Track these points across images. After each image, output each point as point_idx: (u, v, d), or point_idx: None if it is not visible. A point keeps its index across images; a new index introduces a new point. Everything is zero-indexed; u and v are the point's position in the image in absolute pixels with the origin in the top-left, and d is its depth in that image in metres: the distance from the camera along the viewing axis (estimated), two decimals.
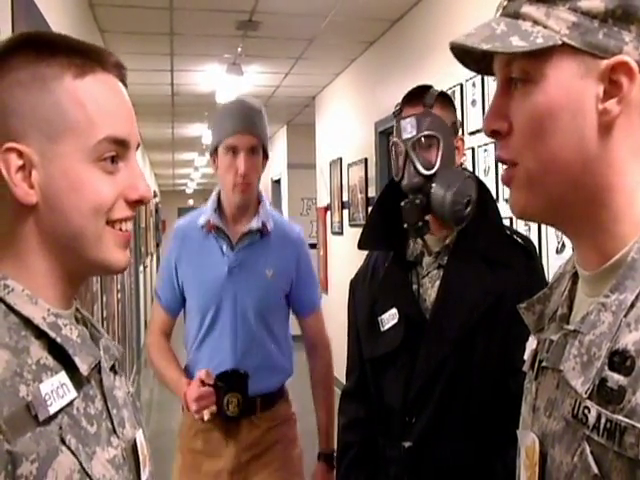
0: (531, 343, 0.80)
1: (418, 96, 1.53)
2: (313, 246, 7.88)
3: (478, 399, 1.45)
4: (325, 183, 6.85)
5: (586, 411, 0.62)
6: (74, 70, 0.75)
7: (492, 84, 3.19)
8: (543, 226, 2.76)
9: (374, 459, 1.60)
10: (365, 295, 1.66)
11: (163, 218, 18.76)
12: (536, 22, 0.66)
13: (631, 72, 0.63)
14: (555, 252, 2.64)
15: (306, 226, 8.86)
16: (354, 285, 1.74)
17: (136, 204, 0.80)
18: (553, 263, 2.60)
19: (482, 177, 3.01)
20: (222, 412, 1.84)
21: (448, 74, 3.57)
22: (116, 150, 0.77)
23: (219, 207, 2.05)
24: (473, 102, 3.35)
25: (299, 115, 8.35)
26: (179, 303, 2.09)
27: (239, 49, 5.15)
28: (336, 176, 6.31)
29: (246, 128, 2.00)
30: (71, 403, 0.71)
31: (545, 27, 0.66)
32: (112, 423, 0.78)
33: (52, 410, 0.67)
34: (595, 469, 0.61)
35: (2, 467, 0.61)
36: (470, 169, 3.11)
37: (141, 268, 8.46)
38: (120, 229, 0.79)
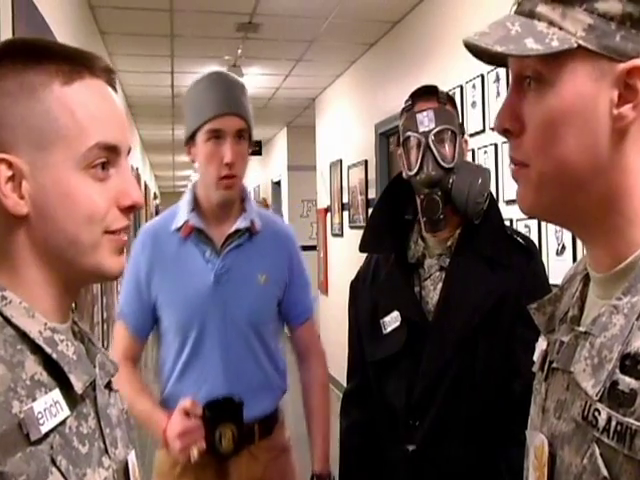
0: (541, 344, 0.80)
1: (432, 92, 1.53)
2: (313, 248, 7.88)
3: (481, 401, 1.45)
4: (325, 185, 6.85)
5: (596, 413, 0.62)
6: (62, 77, 0.73)
7: (492, 87, 3.19)
8: (543, 228, 2.76)
9: (376, 463, 1.59)
10: (366, 297, 1.65)
11: None
12: (552, 23, 0.65)
13: None
14: (555, 254, 2.64)
15: (306, 228, 8.87)
16: (355, 287, 1.73)
17: (129, 210, 0.79)
18: (553, 265, 2.60)
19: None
20: (213, 448, 1.56)
21: (448, 76, 3.57)
22: (107, 156, 0.76)
23: (197, 206, 1.75)
24: (473, 104, 3.35)
25: (299, 117, 8.36)
26: (149, 324, 1.76)
27: (239, 51, 5.15)
28: (336, 178, 6.31)
29: (232, 108, 1.66)
30: (64, 422, 0.69)
31: (561, 29, 0.64)
32: (104, 443, 0.76)
33: (44, 430, 0.66)
34: (604, 472, 0.60)
35: None
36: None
37: None
38: (118, 235, 0.79)
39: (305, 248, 8.72)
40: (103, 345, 3.73)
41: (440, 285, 1.52)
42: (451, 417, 1.46)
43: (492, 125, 3.18)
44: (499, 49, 0.65)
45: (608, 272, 0.68)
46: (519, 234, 1.65)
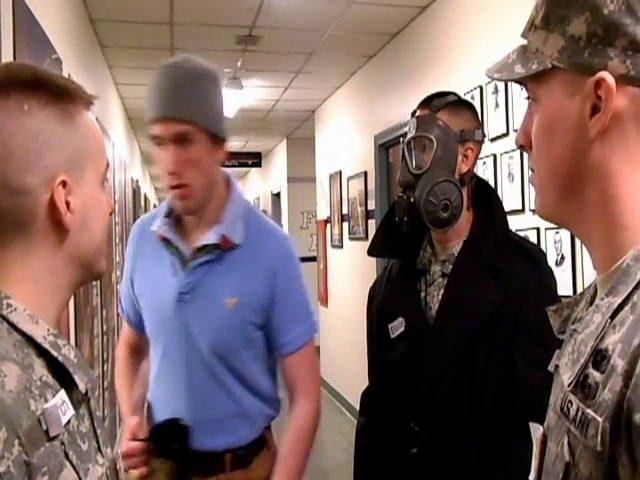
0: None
1: (430, 100, 1.58)
2: (313, 259, 7.88)
3: (480, 408, 1.45)
4: (325, 196, 6.86)
5: (569, 404, 0.67)
6: (83, 104, 0.85)
7: (490, 98, 3.20)
8: (542, 238, 2.76)
9: (387, 462, 1.61)
10: (379, 302, 1.68)
11: None
12: (537, 49, 0.73)
13: (609, 86, 0.67)
14: (555, 264, 2.64)
15: (306, 239, 8.88)
16: (372, 293, 1.77)
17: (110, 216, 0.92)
18: None
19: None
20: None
21: (447, 87, 3.58)
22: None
23: (173, 211, 1.59)
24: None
25: (299, 128, 8.38)
26: (142, 319, 1.66)
27: (239, 63, 5.18)
28: (336, 189, 6.32)
29: (168, 111, 1.45)
30: (69, 421, 0.74)
31: (542, 53, 0.73)
32: (98, 442, 0.82)
33: (63, 423, 0.71)
34: (567, 457, 0.66)
35: (20, 478, 0.63)
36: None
37: None
38: None
39: (305, 259, 8.76)
40: (102, 358, 3.73)
41: (442, 291, 1.54)
42: (451, 422, 1.47)
43: (491, 136, 3.19)
44: (496, 76, 0.77)
45: (603, 275, 0.72)
46: (526, 241, 1.65)
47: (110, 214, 0.90)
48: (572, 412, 0.65)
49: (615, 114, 0.67)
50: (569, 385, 0.67)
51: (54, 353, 0.75)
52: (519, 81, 0.78)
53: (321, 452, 5.37)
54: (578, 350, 0.68)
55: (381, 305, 1.66)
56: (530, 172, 0.81)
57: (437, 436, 1.48)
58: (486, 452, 1.45)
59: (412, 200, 1.51)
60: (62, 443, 0.71)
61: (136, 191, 7.78)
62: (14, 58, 1.99)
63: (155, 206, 15.33)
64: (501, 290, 1.47)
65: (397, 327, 1.57)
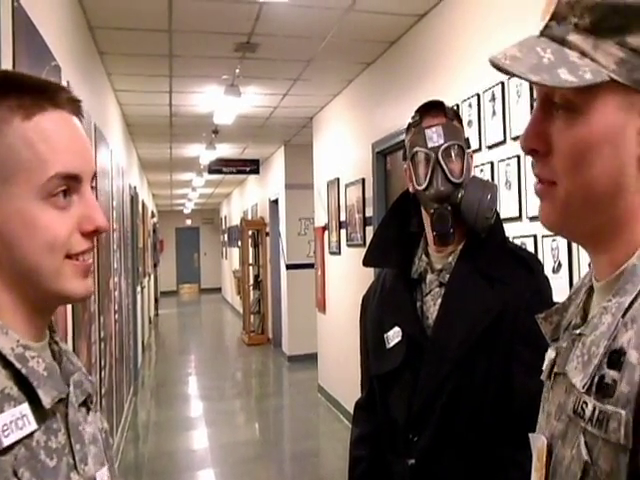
0: (550, 353, 0.82)
1: (439, 107, 1.55)
2: (311, 266, 7.88)
3: (479, 418, 1.45)
4: (323, 203, 6.86)
5: (584, 405, 0.65)
6: (22, 112, 0.77)
7: (488, 105, 3.21)
8: (539, 246, 2.77)
9: (382, 474, 1.60)
10: (373, 311, 1.67)
11: (161, 238, 18.78)
12: (584, 53, 0.67)
13: None
14: (552, 271, 2.64)
15: (304, 246, 8.88)
16: (365, 301, 1.75)
17: (92, 234, 0.82)
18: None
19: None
20: None
21: (445, 95, 3.60)
22: (67, 184, 0.78)
23: None
24: (469, 122, 3.38)
25: (297, 135, 8.39)
26: None
27: (237, 70, 5.19)
28: (334, 196, 6.33)
29: None
30: (31, 435, 0.72)
31: (593, 60, 0.67)
32: (74, 459, 0.78)
33: (7, 442, 0.68)
34: (585, 456, 0.64)
35: None
36: None
37: (139, 289, 8.44)
38: (81, 260, 0.81)
39: (303, 266, 8.72)
40: (99, 364, 3.70)
41: (439, 301, 1.53)
42: (449, 433, 1.46)
43: (489, 144, 3.20)
44: (534, 79, 0.68)
45: (606, 280, 0.72)
46: (522, 250, 1.65)
47: (94, 231, 0.81)
48: (588, 412, 0.64)
49: None
50: (583, 387, 0.66)
51: (18, 365, 0.73)
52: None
53: (318, 459, 5.36)
54: (589, 352, 0.67)
55: (377, 315, 1.64)
56: (538, 183, 0.75)
57: (434, 447, 1.47)
58: (486, 462, 1.45)
59: (455, 210, 1.49)
60: (15, 459, 0.69)
61: (134, 198, 7.78)
62: (13, 65, 2.00)
63: (153, 214, 15.29)
64: (499, 299, 1.47)
65: (393, 337, 1.56)
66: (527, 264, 1.53)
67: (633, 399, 0.59)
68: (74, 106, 0.83)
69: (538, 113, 0.73)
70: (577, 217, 0.72)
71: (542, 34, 0.71)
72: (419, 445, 1.48)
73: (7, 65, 1.94)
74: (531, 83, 0.69)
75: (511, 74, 0.70)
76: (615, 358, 0.63)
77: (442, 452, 1.47)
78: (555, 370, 0.77)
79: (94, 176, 0.84)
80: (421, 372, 1.49)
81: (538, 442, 0.77)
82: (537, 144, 0.72)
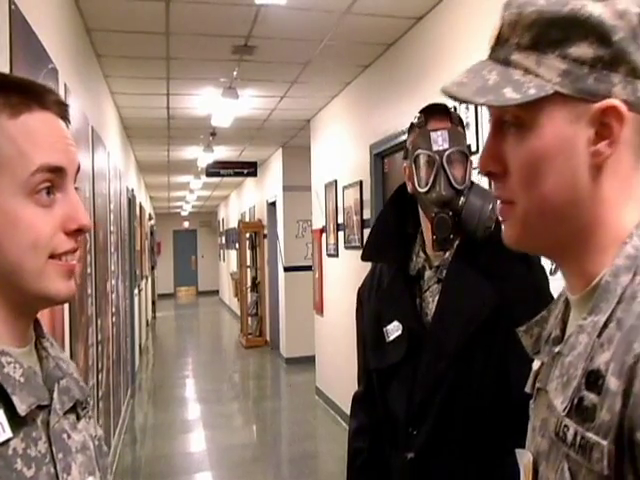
0: (535, 364, 0.82)
1: (445, 112, 1.55)
2: (309, 268, 7.88)
3: (478, 412, 1.45)
4: (320, 205, 6.86)
5: (565, 429, 0.65)
6: (9, 110, 0.76)
7: (484, 108, 3.21)
8: None
9: (381, 465, 1.60)
10: (372, 306, 1.67)
11: (158, 240, 18.77)
12: (527, 70, 0.68)
13: (620, 115, 0.65)
14: (550, 273, 2.64)
15: (302, 248, 8.88)
16: (362, 295, 1.75)
17: (76, 234, 0.80)
18: None
19: None
20: None
21: (442, 97, 3.60)
22: (52, 179, 0.77)
23: None
24: (466, 125, 3.38)
25: (294, 138, 8.40)
26: None
27: (235, 73, 5.19)
28: (331, 198, 6.33)
29: None
30: (6, 443, 0.70)
31: (537, 75, 0.67)
32: (55, 468, 0.75)
33: None
34: None
35: None
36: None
37: (136, 291, 8.43)
38: (64, 260, 0.79)
39: (300, 268, 8.72)
40: (97, 367, 3.68)
41: (437, 297, 1.54)
42: (448, 427, 1.47)
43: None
44: (480, 101, 0.69)
45: (580, 294, 0.72)
46: None
47: (78, 230, 0.79)
48: (570, 437, 0.64)
49: (614, 142, 0.66)
50: (564, 410, 0.65)
51: None
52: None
53: (316, 461, 5.36)
54: (567, 373, 0.67)
55: (375, 310, 1.65)
56: (498, 203, 0.76)
57: (434, 441, 1.48)
58: (485, 456, 1.45)
59: (455, 215, 1.49)
60: None
61: (131, 200, 7.78)
62: (10, 69, 2.00)
63: (150, 216, 15.30)
64: (496, 294, 1.47)
65: (393, 331, 1.57)
66: (525, 259, 1.53)
67: (614, 428, 0.59)
68: (61, 109, 0.82)
69: (492, 135, 0.74)
70: (538, 232, 0.72)
71: (490, 58, 0.73)
72: (418, 439, 1.49)
73: (4, 68, 1.94)
74: (477, 105, 0.70)
75: (459, 100, 0.71)
76: (593, 379, 0.62)
77: (441, 446, 1.47)
78: (537, 385, 0.77)
79: (77, 172, 0.83)
80: (420, 366, 1.50)
81: (524, 458, 0.77)
82: (493, 166, 0.73)
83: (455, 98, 0.72)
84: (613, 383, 0.60)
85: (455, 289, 1.51)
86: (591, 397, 0.62)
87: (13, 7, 2.05)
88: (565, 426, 0.65)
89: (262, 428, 6.55)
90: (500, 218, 0.76)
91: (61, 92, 2.92)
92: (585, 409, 0.62)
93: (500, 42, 0.71)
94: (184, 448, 5.77)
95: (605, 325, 0.64)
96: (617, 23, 0.65)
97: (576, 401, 0.64)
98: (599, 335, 0.64)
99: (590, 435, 0.61)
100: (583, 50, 0.66)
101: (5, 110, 0.75)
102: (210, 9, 3.90)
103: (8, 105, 0.76)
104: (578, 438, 0.62)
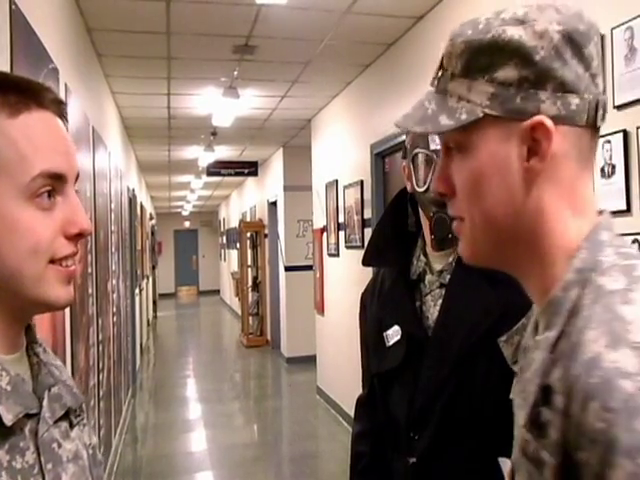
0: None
1: None
2: (309, 268, 7.88)
3: (480, 418, 1.45)
4: (321, 205, 6.87)
5: (526, 444, 0.67)
6: (7, 110, 0.74)
7: None
8: None
9: (383, 470, 1.60)
10: (374, 311, 1.67)
11: (159, 240, 18.79)
12: (460, 97, 0.73)
13: (547, 130, 0.68)
14: None
15: (302, 248, 8.89)
16: (364, 299, 1.75)
17: (77, 238, 0.78)
18: None
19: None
20: None
21: None
22: (52, 184, 0.75)
23: None
24: None
25: (295, 137, 8.40)
26: None
27: (235, 73, 5.19)
28: (332, 198, 6.33)
29: None
30: None
31: (468, 101, 0.72)
32: (43, 479, 0.73)
33: None
34: None
35: None
36: None
37: (137, 291, 8.44)
38: (64, 265, 0.77)
39: (301, 268, 8.72)
40: (97, 367, 3.67)
41: (440, 302, 1.53)
42: (449, 432, 1.46)
43: None
44: (419, 130, 0.76)
45: (542, 308, 0.73)
46: None
47: (79, 235, 0.78)
48: (529, 452, 0.66)
49: (547, 156, 0.69)
50: (524, 425, 0.67)
51: None
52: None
53: (317, 461, 5.36)
54: (526, 389, 0.69)
55: (377, 314, 1.65)
56: (453, 221, 0.81)
57: (435, 446, 1.47)
58: (486, 462, 1.45)
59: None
60: None
61: (132, 200, 7.78)
62: (11, 68, 2.00)
63: (151, 216, 15.31)
64: (500, 301, 1.47)
65: (393, 335, 1.56)
66: None
67: (559, 447, 0.60)
68: (58, 107, 0.80)
69: (442, 160, 0.79)
70: (487, 247, 0.76)
71: (434, 88, 0.78)
72: (420, 444, 1.49)
73: (5, 68, 1.94)
74: (417, 134, 0.74)
75: (404, 130, 0.77)
76: (546, 396, 0.63)
77: (443, 451, 1.47)
78: (511, 396, 0.79)
79: (77, 177, 0.81)
80: (422, 372, 1.50)
81: (507, 467, 0.79)
82: (443, 187, 0.78)
83: (402, 128, 0.78)
84: (559, 401, 0.61)
85: (459, 295, 1.50)
86: (546, 413, 0.63)
87: (14, 7, 2.05)
88: (526, 441, 0.66)
89: (263, 428, 6.55)
90: (457, 235, 0.80)
91: (62, 92, 2.92)
92: (541, 425, 0.64)
93: (440, 73, 0.76)
94: (185, 448, 5.78)
95: (557, 340, 0.65)
96: (537, 43, 0.68)
97: (533, 417, 0.65)
98: (552, 351, 0.65)
99: (543, 452, 0.63)
100: (508, 72, 0.69)
101: (4, 110, 0.74)
102: (211, 9, 3.90)
103: (7, 104, 0.74)
104: (535, 454, 0.64)
